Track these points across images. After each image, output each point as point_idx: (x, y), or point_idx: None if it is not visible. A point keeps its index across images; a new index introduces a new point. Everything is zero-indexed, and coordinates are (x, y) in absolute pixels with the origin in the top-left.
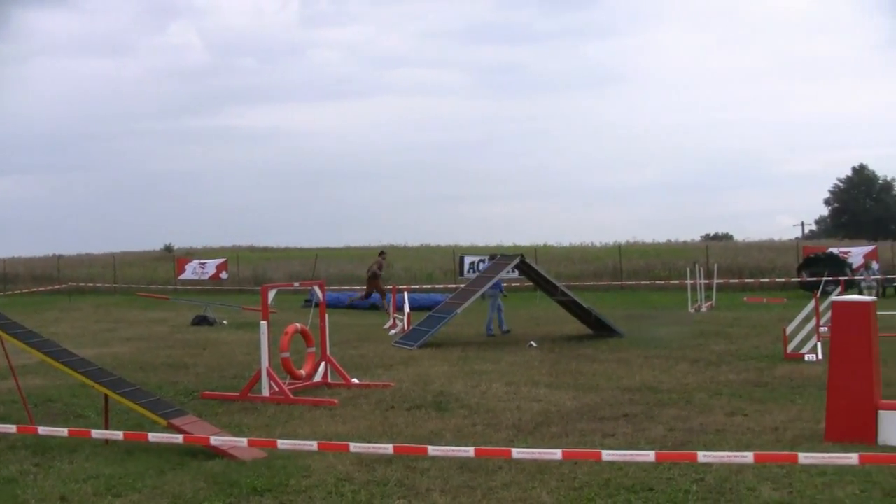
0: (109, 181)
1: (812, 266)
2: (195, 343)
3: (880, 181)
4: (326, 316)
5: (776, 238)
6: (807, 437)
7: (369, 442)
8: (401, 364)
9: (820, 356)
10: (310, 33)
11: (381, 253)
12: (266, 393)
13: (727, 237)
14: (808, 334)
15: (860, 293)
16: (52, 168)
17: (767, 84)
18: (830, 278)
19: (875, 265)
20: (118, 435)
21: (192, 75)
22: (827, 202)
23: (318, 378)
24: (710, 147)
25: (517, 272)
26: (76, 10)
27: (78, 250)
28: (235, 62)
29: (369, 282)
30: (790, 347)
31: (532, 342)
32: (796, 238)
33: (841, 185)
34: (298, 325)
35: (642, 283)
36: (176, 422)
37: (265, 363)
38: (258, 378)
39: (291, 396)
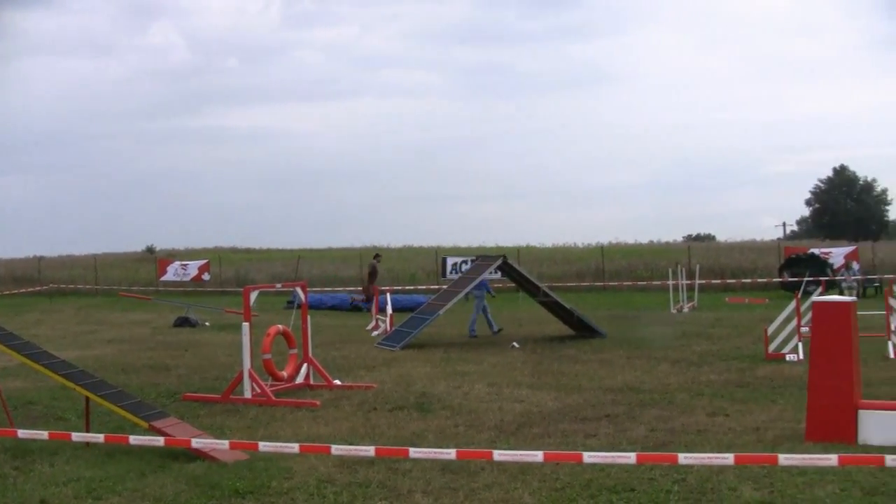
0: (91, 182)
1: (793, 266)
2: (177, 345)
3: (861, 182)
4: (308, 317)
5: (758, 238)
6: (788, 437)
7: (352, 443)
8: (383, 365)
9: (801, 356)
10: (292, 34)
11: (377, 255)
12: (248, 394)
13: (709, 238)
14: (789, 334)
15: (841, 293)
16: (33, 168)
17: (749, 85)
18: (811, 279)
19: (856, 265)
20: (99, 438)
21: (175, 75)
22: (808, 203)
23: (300, 379)
24: (693, 148)
25: (500, 273)
26: (60, 10)
27: (59, 251)
28: (218, 62)
29: (369, 283)
30: (771, 348)
31: (514, 343)
32: (778, 238)
33: (822, 185)
34: (280, 326)
35: (625, 283)
36: (157, 424)
37: (247, 365)
38: (240, 380)
39: (273, 398)
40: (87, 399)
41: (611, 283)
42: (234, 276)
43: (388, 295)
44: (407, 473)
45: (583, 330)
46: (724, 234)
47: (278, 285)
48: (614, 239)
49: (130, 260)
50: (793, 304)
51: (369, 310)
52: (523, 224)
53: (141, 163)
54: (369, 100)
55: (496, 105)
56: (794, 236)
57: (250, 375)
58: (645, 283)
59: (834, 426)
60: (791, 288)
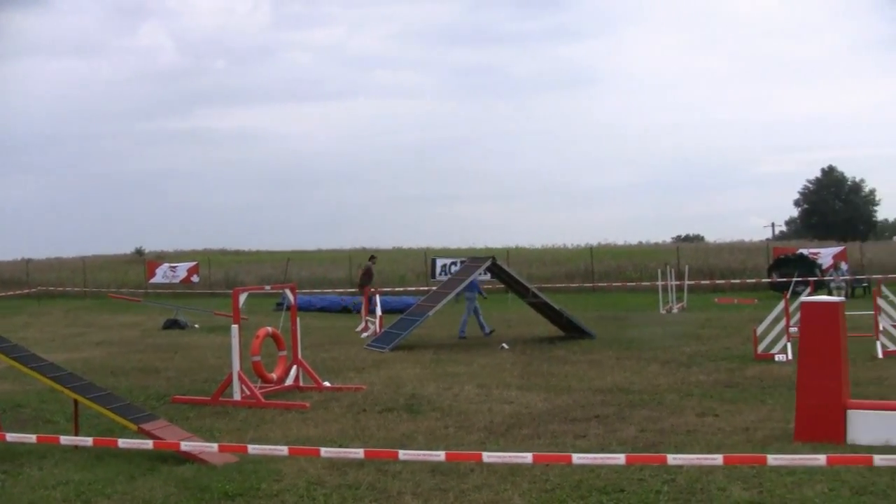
0: (80, 184)
1: (782, 267)
2: (166, 347)
3: (849, 182)
4: (298, 319)
5: (747, 239)
6: (777, 437)
7: (341, 445)
8: (373, 367)
9: (790, 356)
10: (282, 35)
11: (372, 257)
12: (237, 397)
13: (698, 238)
14: (778, 335)
15: (829, 294)
16: (21, 170)
17: (739, 86)
18: (800, 279)
19: (844, 266)
20: (87, 441)
21: (163, 77)
22: (797, 203)
23: (289, 381)
24: (681, 149)
25: (489, 274)
26: (49, 11)
27: (47, 254)
28: (207, 64)
29: (363, 286)
30: (760, 348)
31: (504, 344)
32: (767, 239)
33: (811, 186)
34: (270, 328)
35: (614, 284)
36: (146, 426)
37: (236, 367)
38: (229, 382)
39: (263, 400)
40: (76, 402)
41: (600, 284)
42: (223, 278)
43: (377, 296)
44: (397, 475)
45: (572, 331)
46: (713, 235)
47: (267, 287)
48: (603, 240)
49: (119, 262)
50: (781, 305)
51: (360, 311)
52: (513, 225)
53: (130, 164)
54: (360, 101)
55: (486, 106)
56: (782, 237)
57: (240, 377)
58: (634, 284)
59: (823, 426)
60: (780, 288)
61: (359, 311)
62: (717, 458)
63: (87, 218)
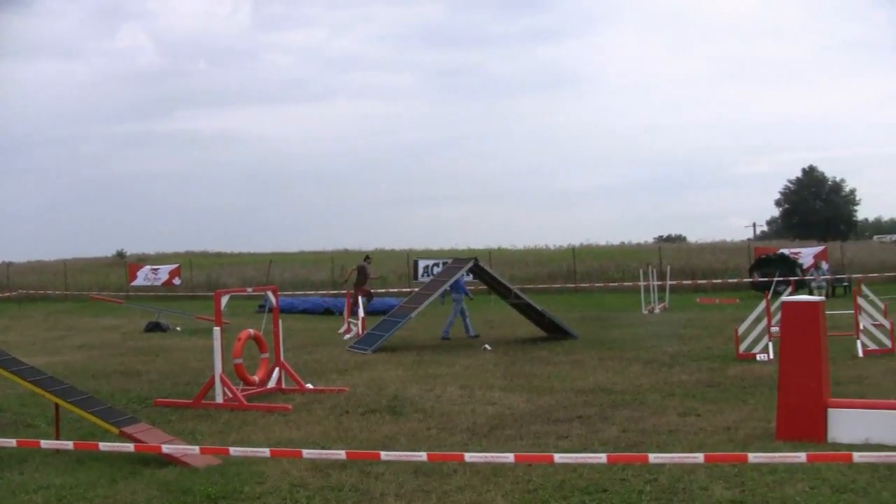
0: (60, 186)
1: (763, 267)
2: (148, 350)
3: (829, 182)
4: (280, 321)
5: (728, 239)
6: (758, 436)
7: (324, 447)
8: (355, 369)
9: (771, 356)
10: (262, 36)
11: (367, 257)
12: (220, 399)
13: (680, 238)
14: (759, 334)
15: (810, 293)
16: (1, 173)
17: (719, 87)
18: (781, 279)
19: (825, 265)
20: (68, 444)
21: (144, 78)
22: (778, 203)
23: (272, 384)
24: (663, 149)
25: (471, 275)
26: (28, 13)
27: (28, 257)
28: (187, 65)
29: (359, 286)
30: (742, 348)
31: (486, 345)
32: (748, 239)
33: (791, 186)
34: (252, 330)
35: (596, 285)
36: (128, 430)
37: (218, 369)
38: (212, 384)
39: (245, 402)
40: (57, 406)
41: (582, 285)
42: (205, 280)
43: (360, 298)
44: (380, 477)
45: (554, 331)
46: (694, 235)
47: (249, 289)
48: (585, 241)
49: (100, 265)
50: (763, 305)
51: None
52: (495, 226)
53: (111, 167)
54: (340, 102)
55: (467, 107)
56: (764, 237)
57: (222, 380)
58: (616, 284)
59: (804, 425)
60: (761, 288)
61: (340, 312)
62: (699, 457)
63: (67, 220)
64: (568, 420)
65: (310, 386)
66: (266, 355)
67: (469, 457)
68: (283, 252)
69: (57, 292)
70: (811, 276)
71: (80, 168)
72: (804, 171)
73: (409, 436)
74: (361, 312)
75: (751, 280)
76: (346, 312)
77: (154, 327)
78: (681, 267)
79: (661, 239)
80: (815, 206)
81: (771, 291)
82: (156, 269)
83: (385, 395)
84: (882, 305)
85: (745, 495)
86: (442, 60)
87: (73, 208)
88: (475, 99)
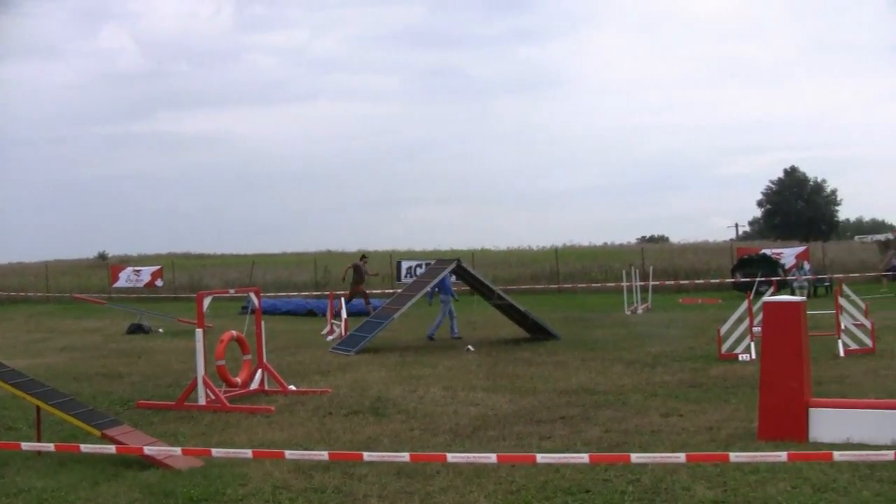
0: (41, 188)
1: (745, 267)
2: (130, 352)
3: (811, 183)
4: (263, 323)
5: (710, 240)
6: (740, 436)
7: (307, 449)
8: (338, 370)
9: (753, 356)
10: (244, 38)
11: (363, 256)
12: (202, 401)
13: (663, 239)
14: (741, 334)
15: (792, 293)
16: None
17: (701, 87)
18: (763, 279)
19: (806, 265)
20: (50, 447)
21: (126, 80)
22: (760, 204)
23: (254, 385)
24: (646, 150)
25: (454, 276)
26: (10, 14)
27: (8, 259)
28: (169, 67)
29: (356, 285)
30: (724, 348)
31: (469, 346)
32: (730, 239)
33: (773, 186)
34: (234, 332)
35: (579, 285)
36: (110, 432)
37: (201, 371)
38: (194, 386)
39: (228, 404)
40: (38, 408)
41: (565, 286)
42: (187, 281)
43: (342, 299)
44: (362, 478)
45: (537, 332)
46: (677, 236)
47: (232, 291)
48: (568, 241)
49: (82, 267)
50: (745, 305)
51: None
52: (478, 227)
53: (93, 168)
54: (322, 103)
55: (450, 108)
56: (746, 237)
57: (204, 382)
58: (599, 284)
59: (785, 425)
60: (743, 288)
61: (323, 314)
62: (680, 457)
63: (49, 222)
64: (551, 421)
65: (293, 387)
66: (249, 357)
67: (451, 457)
68: (265, 253)
69: (38, 294)
70: (793, 276)
71: (61, 169)
72: (786, 171)
73: (392, 437)
74: (344, 314)
75: (733, 280)
76: (329, 314)
77: (136, 329)
78: (663, 267)
79: (643, 239)
80: (796, 206)
81: (753, 292)
82: (138, 271)
83: (368, 397)
84: (863, 305)
85: (727, 495)
86: (424, 61)
87: (55, 209)
88: (457, 100)
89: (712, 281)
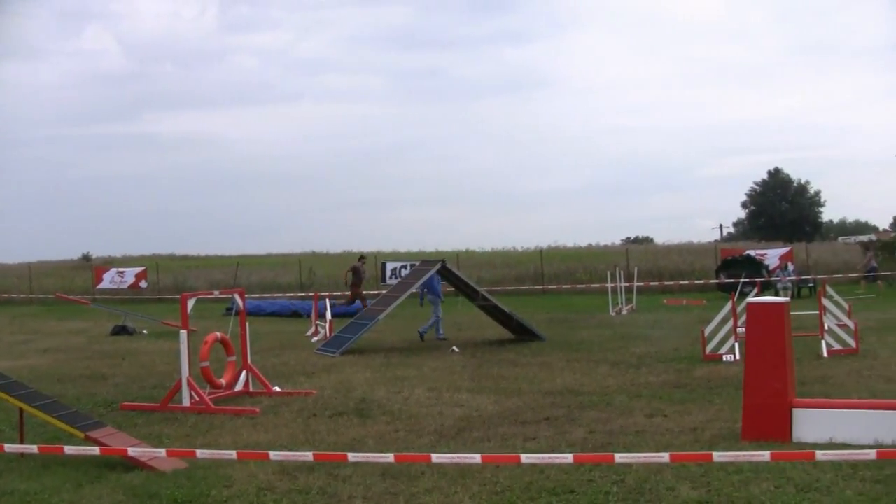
0: (24, 189)
1: (730, 268)
2: (114, 353)
3: (795, 184)
4: (247, 324)
5: (695, 241)
6: (724, 437)
7: (291, 450)
8: (323, 371)
9: (737, 357)
10: (228, 39)
11: (361, 257)
12: (187, 403)
13: (647, 240)
14: (725, 335)
15: (777, 294)
16: None
17: (685, 89)
18: (748, 280)
19: (791, 266)
20: (33, 448)
21: (109, 80)
22: (744, 205)
23: (239, 387)
24: (630, 151)
25: (439, 277)
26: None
27: None
28: (153, 68)
29: (355, 287)
30: (709, 348)
31: (454, 347)
32: (715, 240)
33: (757, 188)
34: (219, 333)
35: (564, 286)
36: (94, 434)
37: (185, 373)
38: (178, 388)
39: (212, 406)
40: (21, 410)
41: (550, 287)
42: (172, 283)
43: (327, 300)
44: (347, 479)
45: (522, 334)
46: (661, 237)
47: (216, 292)
48: (553, 242)
49: (66, 268)
50: (729, 306)
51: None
52: (463, 228)
53: (77, 169)
54: (306, 105)
55: (434, 109)
56: (730, 238)
57: (189, 383)
58: (584, 286)
59: (769, 425)
60: (728, 289)
61: (308, 315)
62: (664, 457)
63: (32, 223)
64: (535, 422)
65: (277, 389)
66: (233, 358)
67: (436, 458)
68: (250, 255)
69: (21, 296)
70: (777, 277)
71: (44, 170)
72: (770, 172)
73: (377, 438)
74: (329, 315)
75: (717, 281)
76: (313, 315)
77: (120, 331)
78: (648, 268)
79: (628, 241)
80: (780, 207)
81: (737, 292)
82: (122, 272)
83: (353, 398)
84: (846, 306)
85: (710, 495)
86: (408, 63)
87: (38, 210)
88: (441, 101)
89: (697, 282)
